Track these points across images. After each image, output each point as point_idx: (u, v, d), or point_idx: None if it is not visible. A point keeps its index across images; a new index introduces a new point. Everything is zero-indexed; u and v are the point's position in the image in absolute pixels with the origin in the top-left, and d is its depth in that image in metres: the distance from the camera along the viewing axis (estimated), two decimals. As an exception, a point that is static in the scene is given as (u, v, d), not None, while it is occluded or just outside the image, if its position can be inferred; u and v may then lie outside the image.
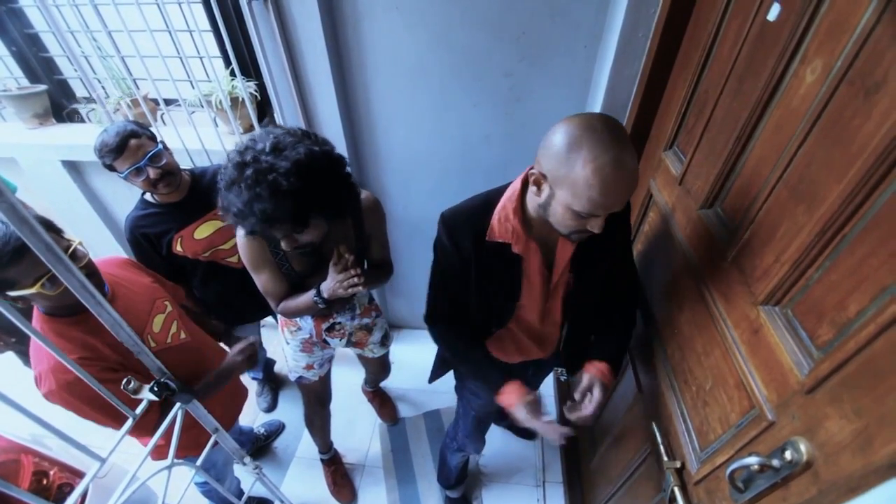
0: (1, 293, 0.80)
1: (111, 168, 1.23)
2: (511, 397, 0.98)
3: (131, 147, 1.20)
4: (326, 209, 0.94)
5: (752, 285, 0.71)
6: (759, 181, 0.72)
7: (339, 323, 1.38)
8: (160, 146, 1.27)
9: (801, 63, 0.64)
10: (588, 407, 0.93)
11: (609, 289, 1.03)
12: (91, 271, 0.92)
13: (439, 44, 1.38)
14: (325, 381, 1.58)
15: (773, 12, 0.70)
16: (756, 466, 0.62)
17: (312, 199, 0.89)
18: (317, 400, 1.60)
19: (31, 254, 0.60)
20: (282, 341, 1.43)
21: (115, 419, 0.94)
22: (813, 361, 0.58)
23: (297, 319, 1.33)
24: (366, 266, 1.31)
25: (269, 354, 2.20)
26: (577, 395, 0.95)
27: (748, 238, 0.74)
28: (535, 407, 0.96)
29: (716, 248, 0.82)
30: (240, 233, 1.09)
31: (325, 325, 1.36)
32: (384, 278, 1.31)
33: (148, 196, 1.37)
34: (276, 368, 2.29)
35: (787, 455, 0.58)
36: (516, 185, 0.89)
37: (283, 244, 0.98)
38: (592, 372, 0.96)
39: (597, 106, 1.32)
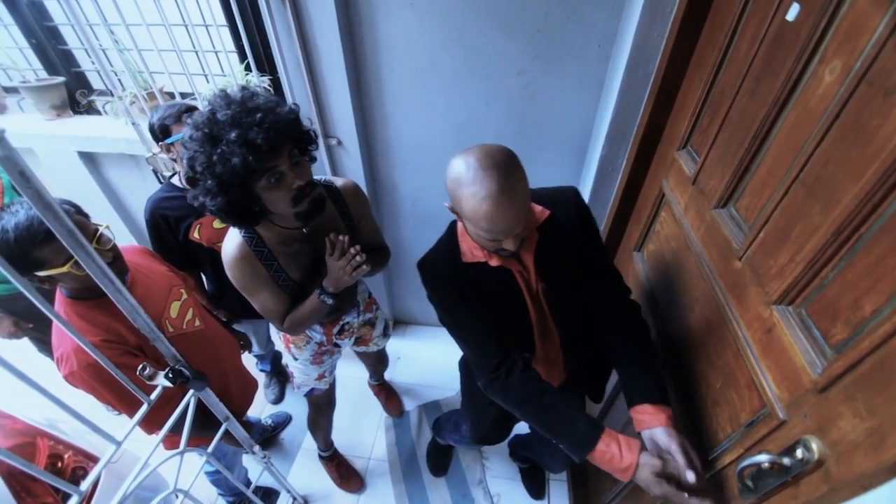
0: (32, 272, 0.82)
1: (165, 131, 1.28)
2: (625, 458, 0.77)
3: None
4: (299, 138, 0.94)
5: (765, 285, 0.71)
6: (775, 181, 0.72)
7: (348, 322, 1.38)
8: None
9: (819, 63, 0.64)
10: (685, 472, 0.74)
11: (594, 296, 0.97)
12: (116, 255, 0.96)
13: (453, 41, 1.38)
14: (333, 385, 1.60)
15: (793, 12, 0.70)
16: (766, 464, 0.62)
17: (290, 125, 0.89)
18: (326, 404, 1.62)
19: None
20: (288, 359, 1.42)
21: (131, 405, 0.96)
22: (826, 360, 0.58)
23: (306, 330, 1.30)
24: None
25: (277, 347, 2.22)
26: (672, 470, 0.76)
27: (762, 238, 0.74)
28: (668, 470, 0.75)
29: (729, 248, 0.82)
30: (229, 254, 1.01)
31: (335, 329, 1.35)
32: (384, 261, 1.30)
33: (175, 180, 1.40)
34: (284, 361, 2.31)
35: (799, 453, 0.58)
36: None
37: (276, 192, 0.89)
38: (647, 426, 0.83)
39: (609, 105, 1.31)
